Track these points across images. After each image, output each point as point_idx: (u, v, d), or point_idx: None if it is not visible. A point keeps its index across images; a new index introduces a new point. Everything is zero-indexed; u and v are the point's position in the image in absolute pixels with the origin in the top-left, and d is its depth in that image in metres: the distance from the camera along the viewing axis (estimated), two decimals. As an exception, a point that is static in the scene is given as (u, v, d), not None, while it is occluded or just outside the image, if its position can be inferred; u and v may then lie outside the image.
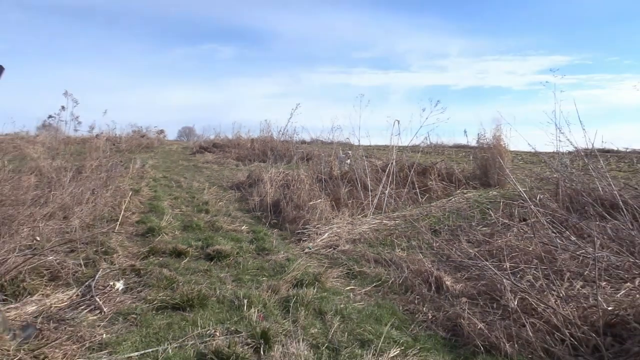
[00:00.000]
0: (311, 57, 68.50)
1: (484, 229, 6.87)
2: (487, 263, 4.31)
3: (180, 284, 4.17)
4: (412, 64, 63.31)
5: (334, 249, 5.91)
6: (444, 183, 10.57)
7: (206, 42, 65.46)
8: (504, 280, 3.83)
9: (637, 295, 3.38)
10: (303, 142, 23.19)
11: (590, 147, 10.16)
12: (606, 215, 6.05)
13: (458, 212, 8.29)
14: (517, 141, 11.78)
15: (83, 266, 4.48)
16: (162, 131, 27.88)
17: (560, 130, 9.14)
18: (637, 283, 3.71)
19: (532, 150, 18.37)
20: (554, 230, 5.22)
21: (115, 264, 4.74)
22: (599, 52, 55.61)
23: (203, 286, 4.15)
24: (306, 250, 5.88)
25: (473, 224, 7.20)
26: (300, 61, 69.43)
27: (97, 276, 4.22)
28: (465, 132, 15.10)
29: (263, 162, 16.68)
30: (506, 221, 6.12)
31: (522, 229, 5.80)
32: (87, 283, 4.06)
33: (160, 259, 5.10)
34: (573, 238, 4.91)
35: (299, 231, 6.65)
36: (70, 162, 10.44)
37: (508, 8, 59.06)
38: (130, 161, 13.32)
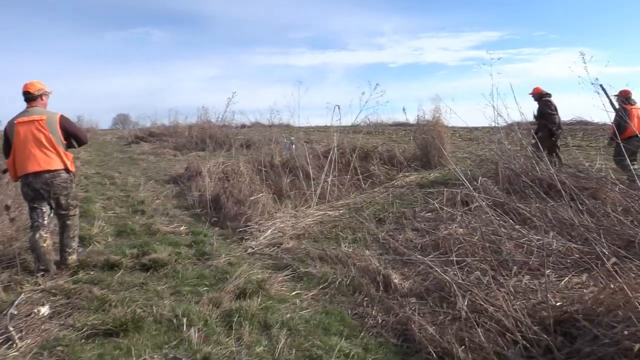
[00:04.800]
0: (248, 39, 67.49)
1: (428, 214, 6.86)
2: (434, 259, 4.25)
3: (113, 303, 3.85)
4: (349, 42, 63.65)
5: (278, 247, 5.70)
6: (386, 167, 10.56)
7: (139, 26, 62.95)
8: (451, 279, 3.76)
9: (585, 290, 3.37)
10: (243, 126, 22.73)
11: (523, 121, 10.43)
12: (545, 196, 6.16)
13: (401, 198, 8.27)
14: (454, 118, 11.96)
15: (2, 291, 4.06)
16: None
17: (494, 108, 9.32)
18: (584, 278, 3.72)
19: (470, 127, 18.79)
20: (497, 217, 5.23)
21: (40, 285, 4.34)
22: (527, 27, 57.66)
23: (139, 304, 3.85)
24: (249, 250, 5.65)
25: (417, 209, 7.19)
26: (237, 43, 68.33)
27: (17, 302, 3.83)
28: (404, 110, 15.24)
29: (202, 150, 16.19)
30: (449, 210, 6.08)
31: (466, 217, 5.79)
32: (4, 312, 3.66)
33: (92, 273, 4.72)
34: (517, 226, 4.93)
35: (241, 229, 6.40)
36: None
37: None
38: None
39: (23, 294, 4.04)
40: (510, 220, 5.26)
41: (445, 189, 8.30)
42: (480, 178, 7.21)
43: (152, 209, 7.72)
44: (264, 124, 21.76)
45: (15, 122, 4.76)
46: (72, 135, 5.00)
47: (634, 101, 8.80)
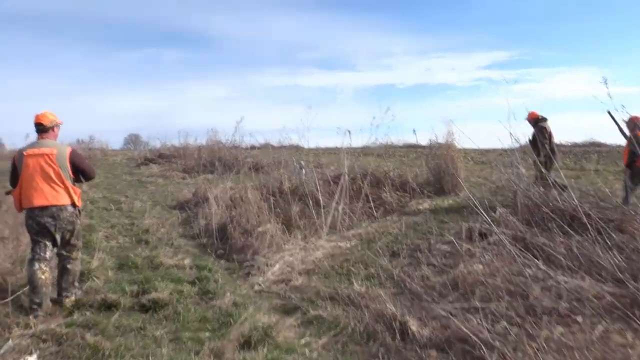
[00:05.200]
0: (258, 60, 68.00)
1: (444, 247, 6.52)
2: (455, 306, 3.91)
3: (107, 353, 3.55)
4: (359, 63, 63.81)
5: (287, 284, 5.39)
6: (398, 193, 10.24)
7: (150, 46, 63.67)
8: (476, 333, 3.42)
9: (630, 351, 3.03)
10: (252, 147, 22.53)
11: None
12: (568, 229, 5.82)
13: (415, 228, 7.94)
14: (465, 139, 11.71)
15: (-12, 337, 3.79)
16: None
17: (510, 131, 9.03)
18: (627, 336, 3.37)
19: (481, 148, 18.40)
20: (520, 255, 4.89)
21: (31, 327, 4.05)
22: (535, 47, 57.57)
23: (134, 353, 3.56)
24: (256, 287, 5.34)
25: (432, 241, 6.85)
26: (247, 64, 68.82)
27: (3, 350, 3.55)
28: (414, 131, 14.97)
29: (211, 173, 15.95)
30: (469, 247, 5.73)
31: (486, 254, 5.44)
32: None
33: (87, 314, 4.44)
34: (542, 266, 4.59)
35: (248, 263, 6.10)
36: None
37: (450, 7, 60.38)
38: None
39: (11, 339, 3.76)
40: (534, 259, 4.91)
41: (461, 220, 8.01)
42: (498, 208, 6.87)
43: (156, 238, 7.47)
44: (274, 145, 21.59)
45: (25, 153, 4.66)
46: (81, 171, 4.92)
47: None
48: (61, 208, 4.63)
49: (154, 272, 5.79)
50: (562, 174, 7.26)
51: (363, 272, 5.72)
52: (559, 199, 6.91)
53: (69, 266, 4.74)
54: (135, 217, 9.11)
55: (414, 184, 10.72)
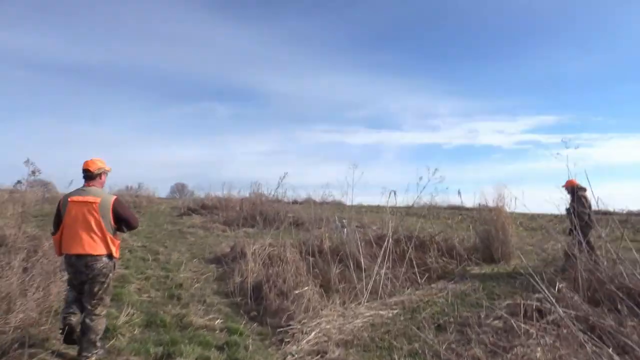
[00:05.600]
0: (306, 116, 69.22)
1: (496, 323, 5.96)
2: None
3: None
4: (404, 123, 63.97)
5: (322, 356, 4.95)
6: (444, 259, 9.70)
7: (204, 100, 66.04)
8: None
9: None
10: (295, 202, 22.41)
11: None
12: (635, 308, 5.20)
13: (463, 298, 7.39)
14: (515, 203, 11.19)
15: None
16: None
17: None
18: None
19: (530, 213, 17.57)
20: (587, 340, 4.31)
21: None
22: (584, 112, 56.52)
23: None
24: (288, 358, 4.92)
25: (482, 315, 6.29)
26: (295, 120, 70.17)
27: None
28: (459, 192, 14.46)
29: (252, 227, 15.81)
30: (526, 326, 5.16)
31: (546, 335, 4.87)
32: None
33: (106, 379, 4.14)
34: (616, 357, 4.01)
35: (282, 328, 5.69)
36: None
37: (496, 70, 60.60)
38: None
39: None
40: (605, 346, 4.32)
41: (513, 292, 7.42)
42: (557, 284, 6.27)
43: (189, 294, 7.18)
44: (316, 200, 21.41)
45: (69, 199, 4.64)
46: (124, 221, 4.83)
47: None
48: (96, 258, 4.54)
49: (182, 332, 5.46)
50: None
51: (406, 347, 5.23)
52: (626, 275, 6.28)
53: (91, 323, 4.49)
54: (171, 269, 8.90)
55: (461, 250, 10.17)
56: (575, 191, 9.20)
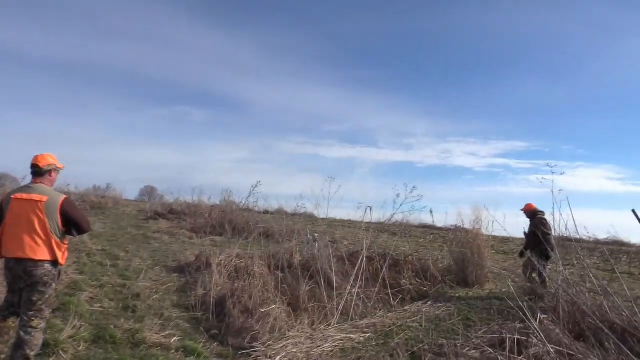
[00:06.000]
0: (283, 127, 69.02)
1: (473, 353, 5.61)
2: None
3: None
4: (380, 140, 64.29)
5: (287, 385, 4.51)
6: (418, 280, 9.35)
7: (179, 104, 65.19)
8: None
9: None
10: (266, 212, 21.90)
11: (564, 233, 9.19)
12: (622, 346, 4.93)
13: (437, 323, 7.03)
14: (488, 226, 11.04)
15: None
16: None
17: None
18: None
19: (501, 236, 17.42)
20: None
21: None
22: (554, 140, 57.81)
23: None
24: (249, 385, 4.47)
25: (458, 344, 5.93)
26: (271, 129, 69.79)
27: None
28: (431, 212, 14.25)
29: (220, 235, 15.25)
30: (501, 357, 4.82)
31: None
32: None
33: (38, 404, 3.61)
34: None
35: (245, 350, 5.22)
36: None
37: (470, 94, 61.84)
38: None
39: None
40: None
41: (489, 319, 7.12)
42: (538, 314, 5.95)
43: (146, 305, 6.64)
44: (288, 212, 21.00)
45: (12, 196, 4.15)
46: (73, 223, 4.32)
47: None
48: (37, 264, 4.04)
49: (133, 350, 4.93)
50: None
51: (378, 377, 4.82)
52: (608, 309, 6.02)
53: (25, 336, 3.98)
54: (129, 277, 8.30)
55: (435, 271, 9.84)
56: (534, 215, 9.34)
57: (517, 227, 10.03)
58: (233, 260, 8.46)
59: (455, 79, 63.45)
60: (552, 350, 4.41)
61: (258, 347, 5.25)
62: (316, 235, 11.36)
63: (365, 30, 61.36)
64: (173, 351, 5.09)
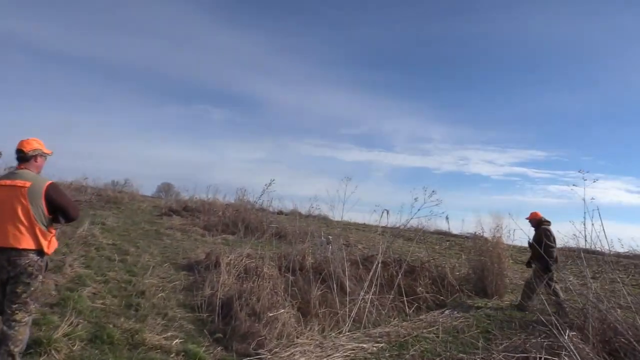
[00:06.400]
0: (300, 128, 68.81)
1: (493, 370, 5.22)
2: None
3: None
4: (397, 145, 63.68)
5: (292, 398, 4.18)
6: (435, 288, 8.95)
7: (199, 103, 65.40)
8: None
9: None
10: (280, 212, 21.65)
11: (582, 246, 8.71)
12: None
13: (455, 335, 6.64)
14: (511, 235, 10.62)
15: None
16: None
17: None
18: None
19: (518, 246, 16.90)
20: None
21: None
22: (574, 150, 56.70)
23: None
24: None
25: (478, 358, 5.55)
26: (288, 130, 69.65)
27: None
28: (447, 218, 13.79)
29: (232, 234, 14.99)
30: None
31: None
32: None
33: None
34: None
35: (249, 357, 4.90)
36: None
37: (490, 101, 61.08)
38: (83, 219, 11.50)
39: None
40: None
41: (510, 332, 6.71)
42: (567, 332, 5.53)
43: (150, 304, 6.36)
44: (302, 213, 20.70)
45: None
46: (60, 210, 4.01)
47: None
48: (21, 253, 3.79)
49: (130, 352, 4.64)
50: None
51: (391, 392, 4.46)
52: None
53: (9, 331, 3.71)
54: (136, 273, 8.05)
55: (453, 280, 9.43)
56: (539, 224, 8.88)
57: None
58: (243, 260, 8.16)
59: (474, 85, 62.71)
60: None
61: (264, 354, 4.93)
62: (330, 237, 11.00)
63: (385, 34, 60.94)
64: (173, 355, 4.78)
